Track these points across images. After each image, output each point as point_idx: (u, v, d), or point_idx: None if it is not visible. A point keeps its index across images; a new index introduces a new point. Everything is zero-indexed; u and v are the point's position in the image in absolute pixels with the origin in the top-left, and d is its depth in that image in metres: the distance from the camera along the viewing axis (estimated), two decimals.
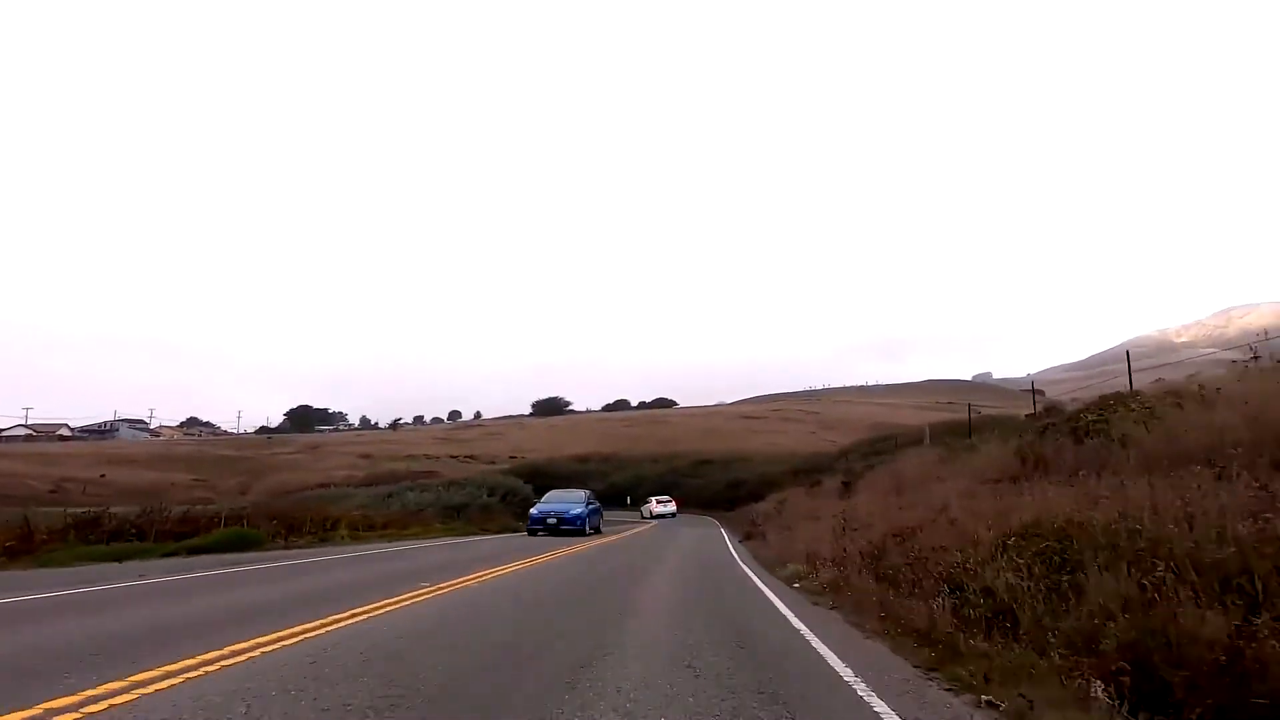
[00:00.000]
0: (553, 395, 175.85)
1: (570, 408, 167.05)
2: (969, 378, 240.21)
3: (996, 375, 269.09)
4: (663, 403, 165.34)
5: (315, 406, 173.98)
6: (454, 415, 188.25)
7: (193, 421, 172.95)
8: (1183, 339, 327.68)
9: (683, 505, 53.70)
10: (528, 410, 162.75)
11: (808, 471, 47.46)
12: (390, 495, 36.81)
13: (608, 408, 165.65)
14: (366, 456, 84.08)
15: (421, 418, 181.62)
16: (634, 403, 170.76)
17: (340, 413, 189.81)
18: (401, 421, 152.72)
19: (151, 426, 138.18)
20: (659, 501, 46.78)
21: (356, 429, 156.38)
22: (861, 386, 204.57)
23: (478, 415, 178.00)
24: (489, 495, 36.80)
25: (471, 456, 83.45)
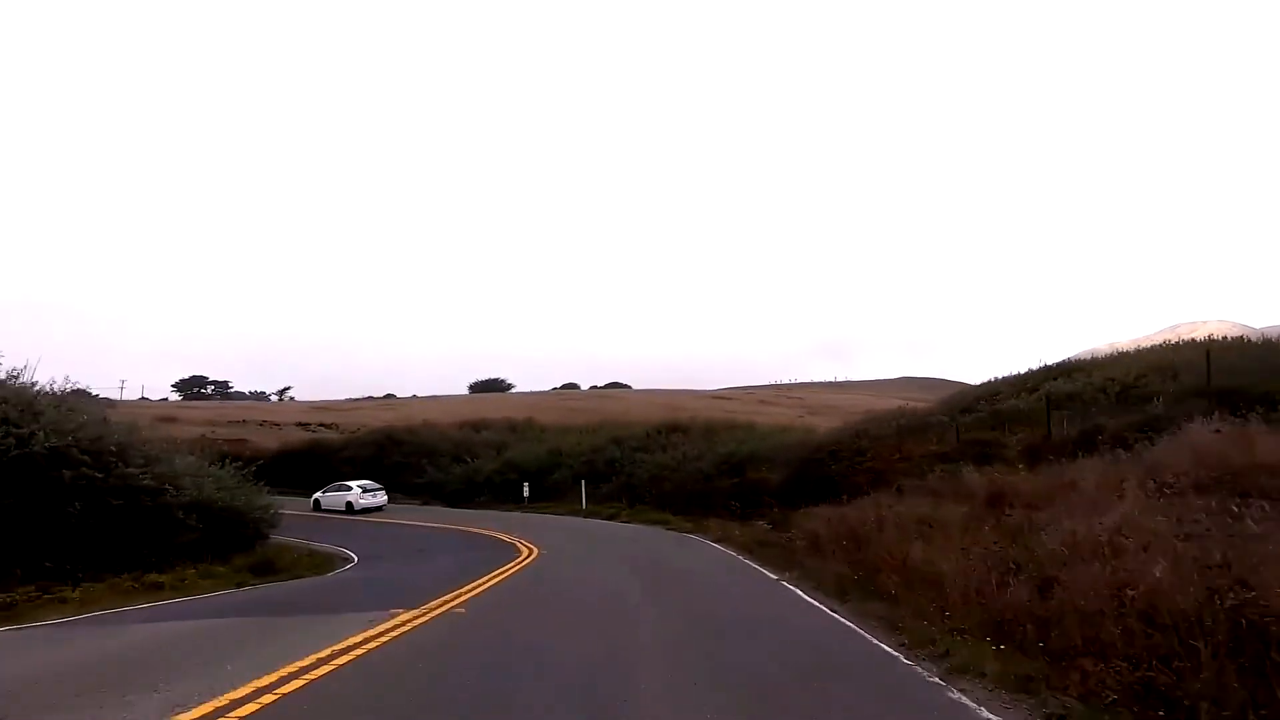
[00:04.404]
0: (494, 376, 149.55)
1: (513, 389, 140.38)
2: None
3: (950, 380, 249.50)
4: (618, 386, 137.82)
5: (213, 378, 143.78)
6: (389, 396, 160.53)
7: (79, 393, 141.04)
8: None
9: (630, 500, 25.75)
10: (464, 391, 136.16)
11: (899, 434, 19.94)
12: None
13: (555, 390, 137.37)
14: (167, 420, 55.00)
15: (355, 399, 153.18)
16: (585, 386, 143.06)
17: (262, 391, 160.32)
18: (289, 392, 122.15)
19: None
20: (365, 490, 29.26)
21: (242, 402, 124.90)
22: (830, 381, 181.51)
23: (414, 397, 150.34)
24: None
25: (327, 425, 55.26)
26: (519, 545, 15.70)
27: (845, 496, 13.29)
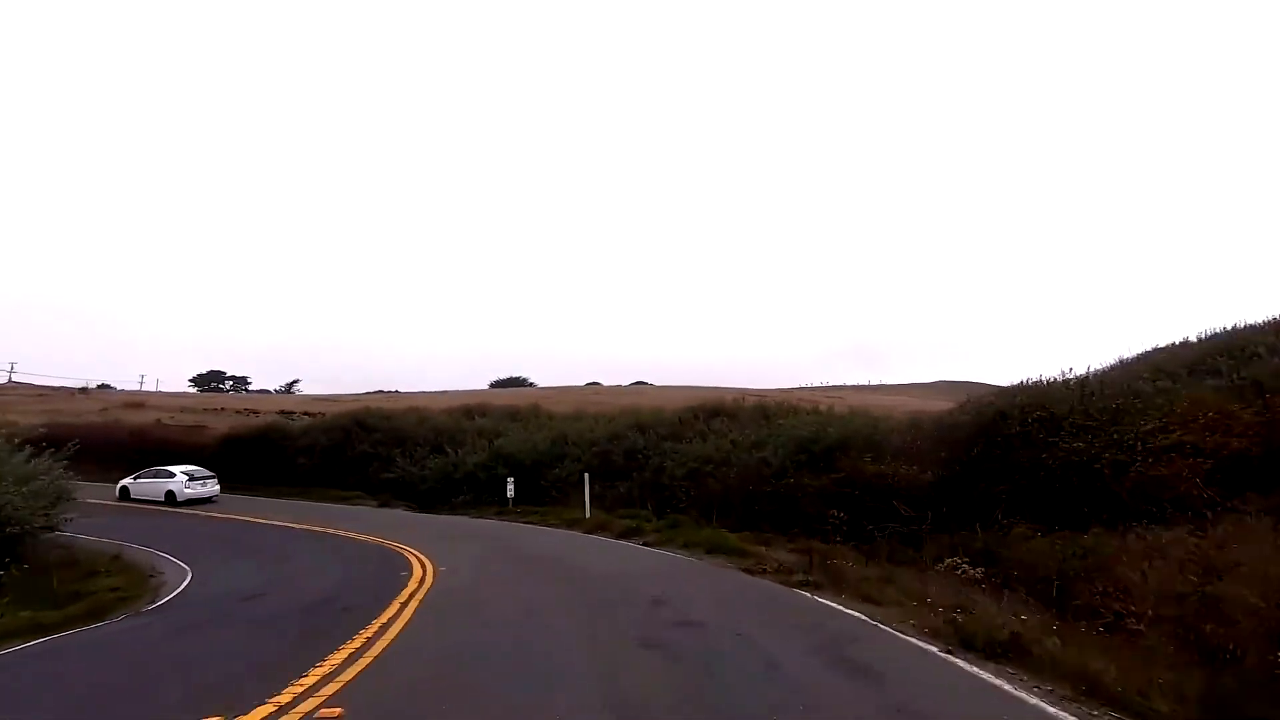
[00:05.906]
0: (516, 375, 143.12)
1: (534, 386, 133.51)
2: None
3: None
4: (642, 385, 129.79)
5: (230, 374, 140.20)
6: (410, 393, 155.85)
7: (103, 387, 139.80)
8: None
9: (658, 507, 17.50)
10: (485, 388, 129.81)
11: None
12: None
13: (576, 386, 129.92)
14: (134, 406, 49.12)
15: (362, 393, 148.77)
16: (608, 384, 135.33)
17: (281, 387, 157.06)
18: (297, 385, 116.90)
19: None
20: (193, 478, 23.76)
21: (236, 394, 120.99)
22: (865, 384, 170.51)
23: (421, 392, 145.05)
24: None
25: (311, 414, 48.09)
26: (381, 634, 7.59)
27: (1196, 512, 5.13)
